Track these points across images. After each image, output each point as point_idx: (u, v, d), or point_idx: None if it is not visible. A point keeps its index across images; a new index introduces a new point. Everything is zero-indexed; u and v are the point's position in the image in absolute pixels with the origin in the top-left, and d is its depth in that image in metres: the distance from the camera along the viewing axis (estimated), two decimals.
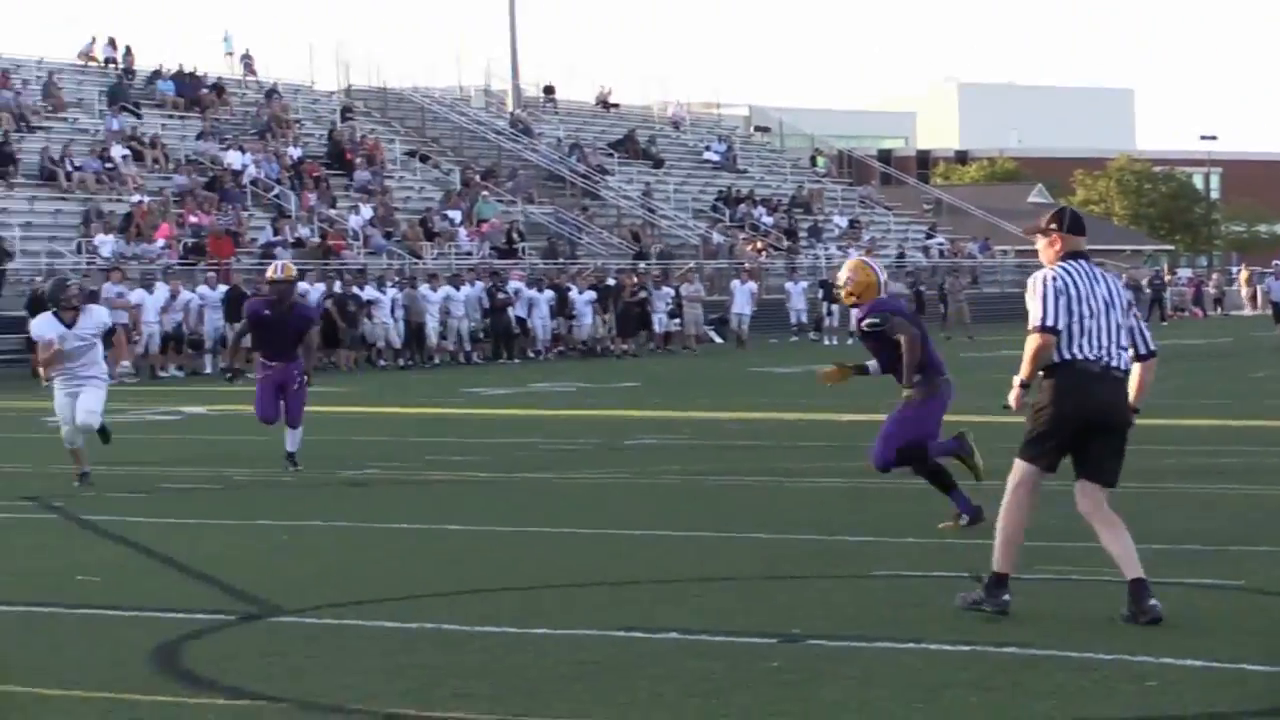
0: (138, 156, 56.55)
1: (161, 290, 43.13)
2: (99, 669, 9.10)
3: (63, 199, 53.02)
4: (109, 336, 18.30)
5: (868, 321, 13.52)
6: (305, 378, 19.24)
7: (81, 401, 17.74)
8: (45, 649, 9.69)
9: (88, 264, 47.45)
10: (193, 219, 51.93)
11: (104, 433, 18.28)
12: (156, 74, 64.62)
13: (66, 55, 65.86)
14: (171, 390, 36.64)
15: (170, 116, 62.60)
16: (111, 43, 65.65)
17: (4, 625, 10.51)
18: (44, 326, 17.83)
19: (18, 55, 62.88)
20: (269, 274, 19.94)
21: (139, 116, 60.77)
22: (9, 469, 20.00)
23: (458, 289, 47.13)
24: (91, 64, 65.25)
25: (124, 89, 62.27)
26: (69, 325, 17.65)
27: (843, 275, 13.88)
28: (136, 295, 42.22)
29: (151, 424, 26.75)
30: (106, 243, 48.70)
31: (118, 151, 55.78)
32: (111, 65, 64.88)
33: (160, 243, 50.04)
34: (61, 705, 8.36)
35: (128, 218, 50.82)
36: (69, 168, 53.77)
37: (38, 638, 10.06)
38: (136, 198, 52.40)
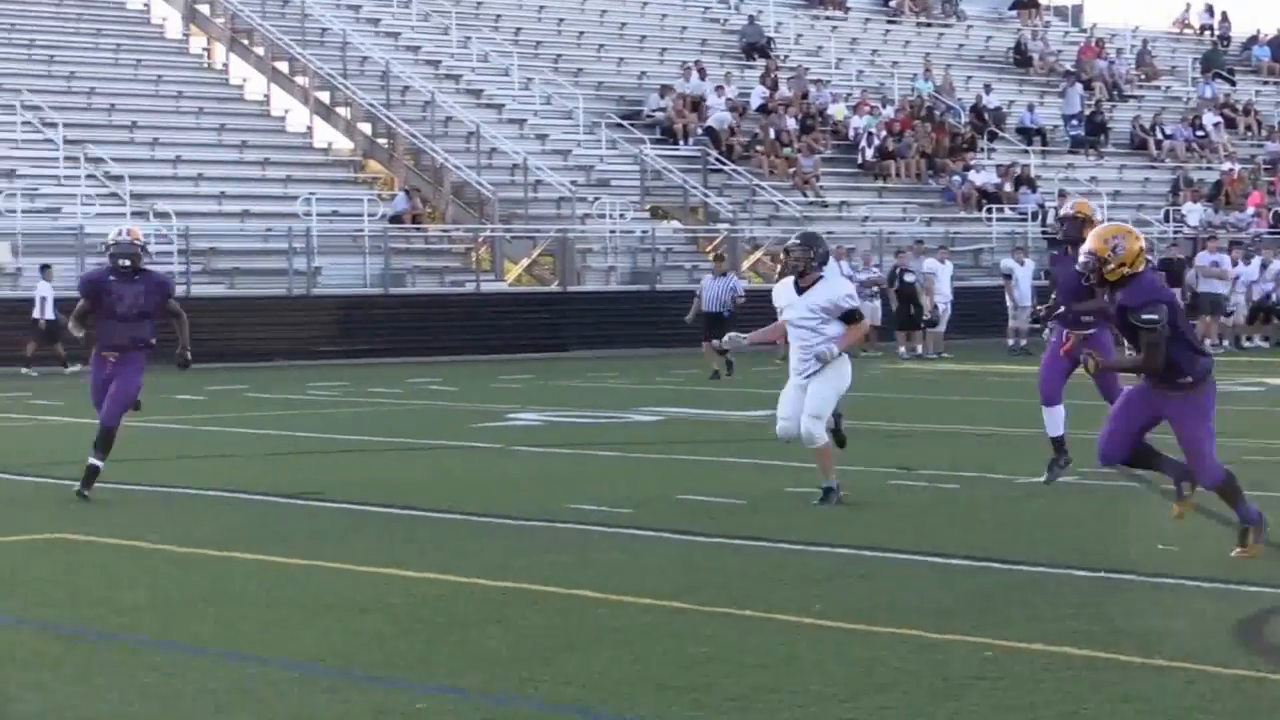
0: (1229, 124, 55.99)
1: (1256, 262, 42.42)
2: (1182, 638, 9.03)
3: (1152, 167, 53.26)
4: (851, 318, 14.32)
5: (1144, 316, 11.35)
6: None
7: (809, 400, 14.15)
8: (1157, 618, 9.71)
9: (1174, 232, 47.47)
10: None
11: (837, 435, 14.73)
12: (1253, 39, 63.70)
13: (1161, 23, 66.08)
14: (1257, 361, 36.06)
15: (1265, 83, 61.60)
16: (1209, 9, 65.21)
17: (1099, 587, 10.62)
18: (778, 293, 14.56)
19: (1114, 25, 63.67)
20: None
21: (1233, 83, 60.13)
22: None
23: None
24: (1186, 31, 65.09)
25: (1218, 55, 61.73)
26: (800, 292, 14.28)
27: (1099, 242, 11.50)
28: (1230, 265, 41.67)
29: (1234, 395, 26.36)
30: (1194, 211, 48.51)
31: (1209, 119, 55.43)
32: (1207, 31, 64.46)
33: (1250, 211, 49.33)
34: (1140, 673, 8.33)
35: (1217, 186, 50.40)
36: (1159, 136, 53.90)
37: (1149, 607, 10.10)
38: (1227, 166, 51.91)
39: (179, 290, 39.39)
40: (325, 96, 48.88)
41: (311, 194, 42.86)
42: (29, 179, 41.78)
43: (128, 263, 14.93)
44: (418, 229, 44.56)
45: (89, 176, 42.32)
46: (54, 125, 43.32)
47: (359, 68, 49.33)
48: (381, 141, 48.02)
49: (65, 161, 42.45)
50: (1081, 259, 11.59)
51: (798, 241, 14.39)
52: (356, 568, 11.30)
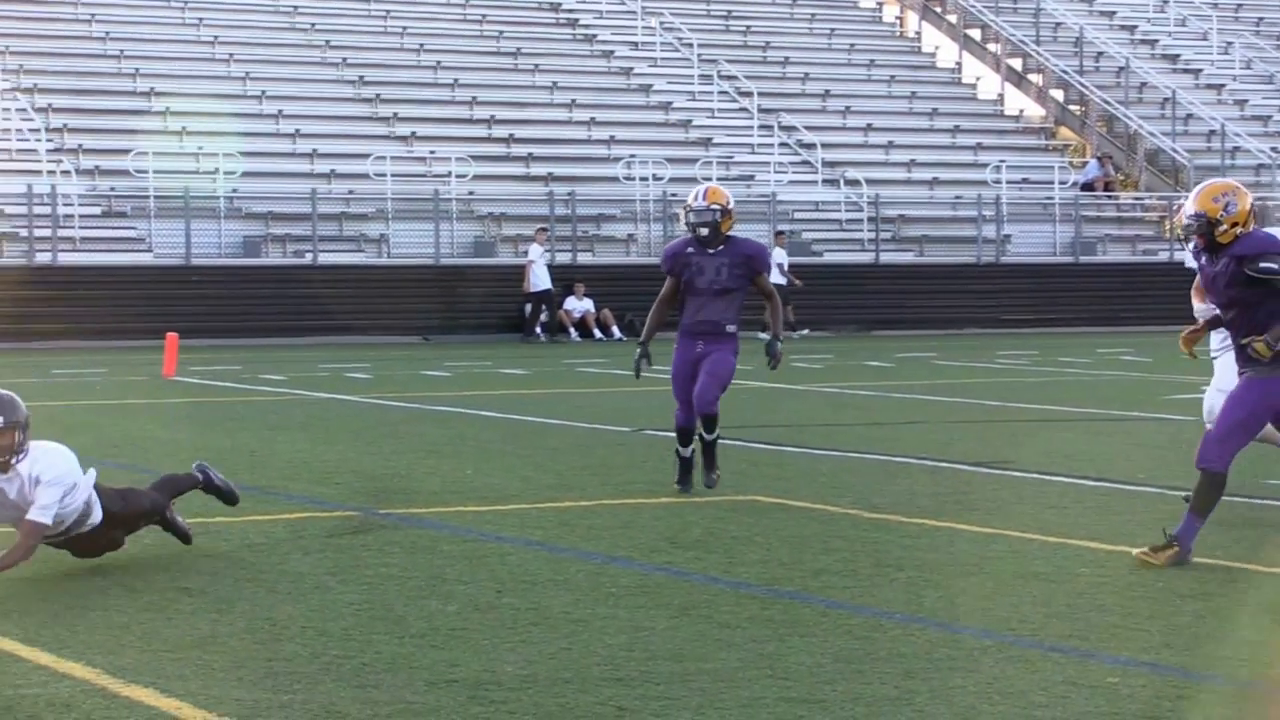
0: None
1: None
2: None
3: None
4: None
5: (1264, 265, 10.07)
6: None
7: None
8: None
9: None
10: None
11: None
12: None
13: None
14: None
15: None
16: None
17: None
18: None
19: None
20: None
21: None
22: None
23: None
24: None
25: None
26: None
27: (1208, 201, 10.24)
28: None
29: None
30: None
31: None
32: None
33: None
34: None
35: None
36: None
37: None
38: None
39: (865, 257, 40.53)
40: (1017, 63, 48.53)
41: (1001, 161, 42.61)
42: (724, 147, 42.86)
43: (706, 231, 12.87)
44: (1109, 197, 43.79)
45: (782, 145, 43.13)
46: (749, 94, 44.29)
47: (1051, 34, 48.76)
48: (1074, 108, 47.37)
49: (759, 130, 43.35)
50: (1185, 221, 10.39)
51: None
52: (1044, 538, 11.07)
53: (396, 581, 9.69)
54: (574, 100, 43.70)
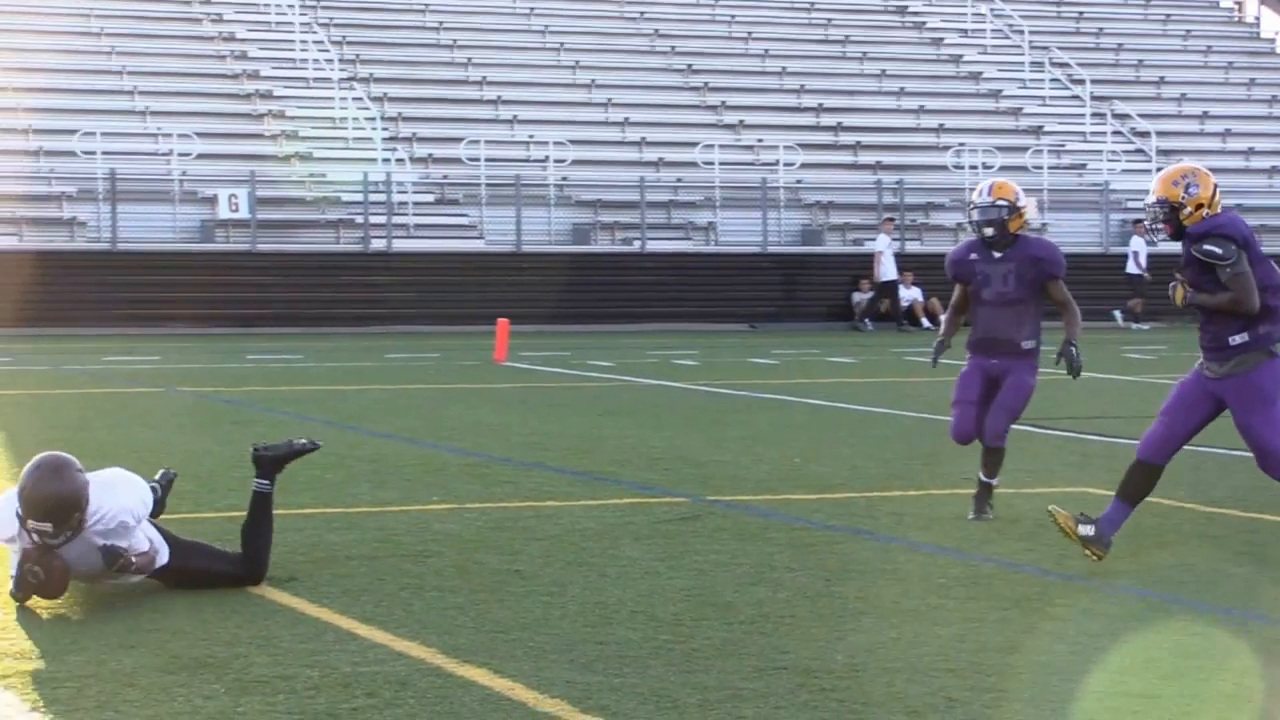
0: None
1: None
2: None
3: None
4: None
5: (1206, 247, 9.51)
6: None
7: None
8: None
9: None
10: None
11: None
12: None
13: None
14: None
15: None
16: None
17: None
18: None
19: None
20: None
21: None
22: None
23: None
24: None
25: None
26: None
27: (1168, 186, 9.64)
28: None
29: None
30: None
31: None
32: None
33: None
34: None
35: None
36: None
37: None
38: None
39: None
40: None
41: None
42: (1056, 135, 42.25)
43: (991, 231, 11.26)
44: None
45: (1115, 133, 42.39)
46: (1081, 82, 43.61)
47: None
48: None
49: (1092, 118, 42.65)
50: (1149, 210, 9.72)
51: None
52: None
53: (725, 568, 9.71)
54: (903, 88, 43.43)
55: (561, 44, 42.83)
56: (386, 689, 7.11)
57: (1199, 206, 9.60)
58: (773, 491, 12.73)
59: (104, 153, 35.42)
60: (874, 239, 37.18)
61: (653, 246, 36.98)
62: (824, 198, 39.23)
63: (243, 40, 41.03)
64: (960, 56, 45.37)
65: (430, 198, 37.66)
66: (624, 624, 8.32)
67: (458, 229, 37.15)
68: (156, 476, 9.92)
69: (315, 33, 41.21)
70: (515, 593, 9.02)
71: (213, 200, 35.32)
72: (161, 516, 9.53)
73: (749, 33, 44.62)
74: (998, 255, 11.30)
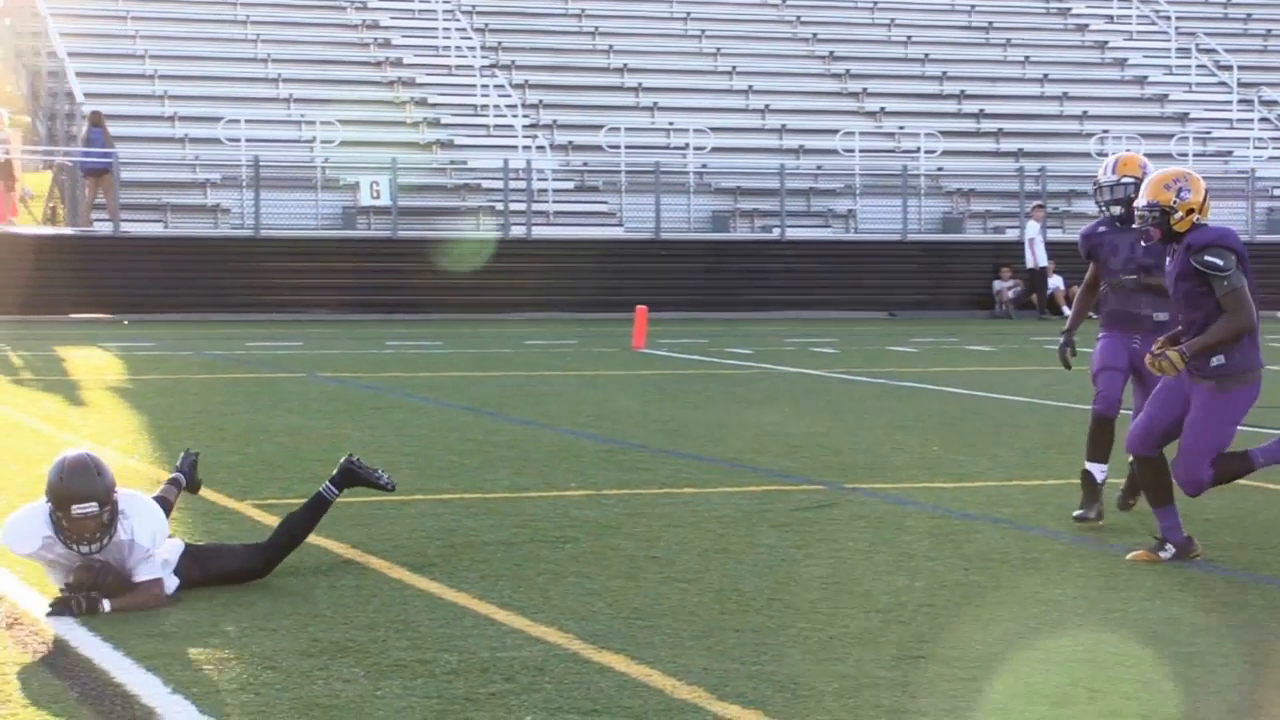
0: None
1: None
2: None
3: None
4: None
5: (1208, 259, 9.31)
6: None
7: None
8: None
9: None
10: None
11: None
12: None
13: None
14: None
15: None
16: None
17: None
18: None
19: None
20: None
21: None
22: None
23: None
24: None
25: None
26: None
27: (1159, 190, 9.51)
28: None
29: None
30: None
31: None
32: None
33: None
34: None
35: None
36: None
37: None
38: None
39: None
40: None
41: None
42: (1202, 122, 41.74)
43: (1119, 209, 10.87)
44: None
45: (1262, 120, 41.81)
46: (1228, 68, 43.04)
47: None
48: None
49: (1239, 105, 42.09)
50: (1139, 214, 9.49)
51: None
52: None
53: (863, 556, 9.67)
54: (1046, 75, 43.05)
55: (703, 31, 42.79)
56: (524, 674, 7.13)
57: (1190, 211, 9.47)
58: (911, 480, 12.66)
59: (248, 140, 35.78)
60: (1020, 226, 36.91)
61: (792, 234, 36.87)
62: (965, 185, 38.96)
63: (386, 28, 41.30)
64: (1105, 43, 44.90)
65: (570, 185, 37.76)
66: (760, 611, 8.30)
67: (597, 216, 37.23)
68: (178, 463, 9.89)
69: (458, 20, 41.43)
70: (652, 579, 9.02)
71: (354, 187, 35.59)
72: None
73: (891, 19, 44.38)
74: (1128, 233, 10.88)
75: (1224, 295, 9.32)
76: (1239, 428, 9.61)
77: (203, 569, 8.73)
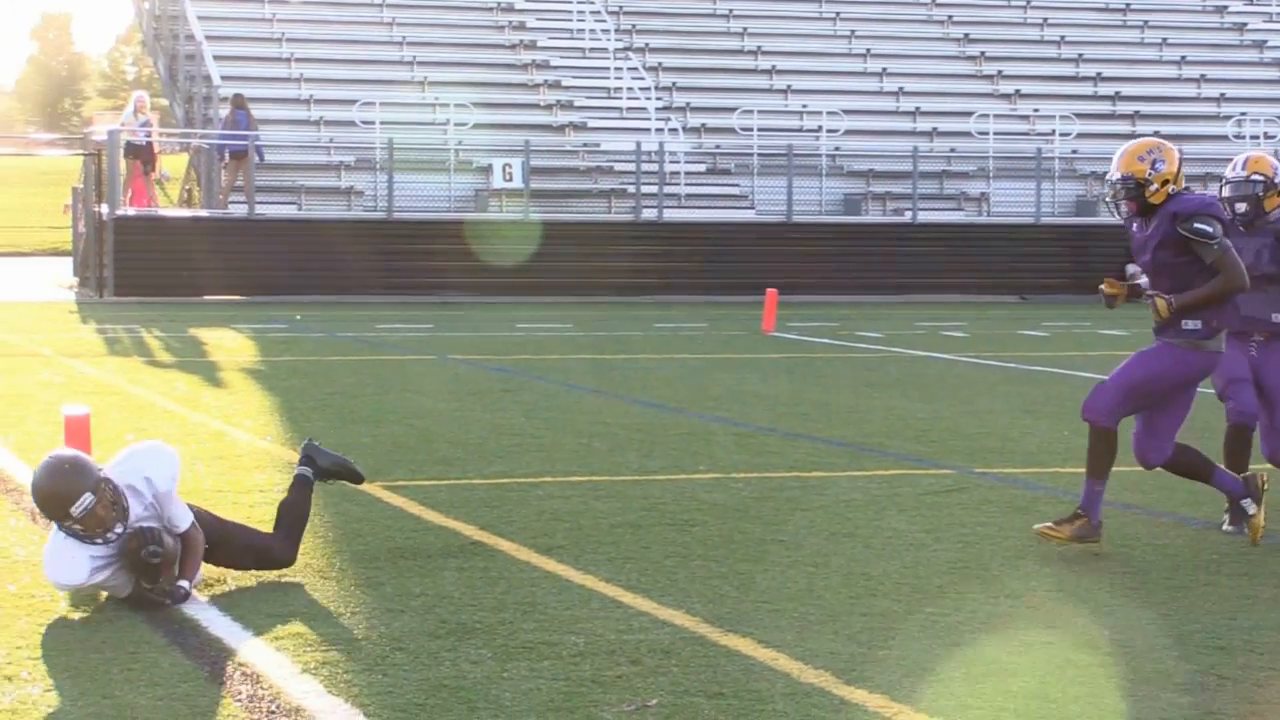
0: None
1: None
2: None
3: None
4: None
5: (1197, 226, 9.23)
6: None
7: None
8: None
9: None
10: None
11: None
12: None
13: None
14: None
15: None
16: None
17: None
18: None
19: None
20: None
21: None
22: None
23: None
24: None
25: None
26: None
27: (1133, 161, 9.41)
28: None
29: None
30: None
31: None
32: None
33: None
34: None
35: None
36: None
37: None
38: None
39: None
40: None
41: None
42: None
43: (1244, 207, 10.50)
44: None
45: None
46: None
47: None
48: None
49: None
50: (1112, 186, 9.36)
51: None
52: None
53: (992, 541, 9.61)
54: (1184, 57, 42.55)
55: (838, 14, 42.62)
56: (650, 657, 7.14)
57: (1165, 182, 9.38)
58: (1041, 464, 12.57)
59: (382, 123, 36.01)
60: None
61: (924, 217, 36.65)
62: (1100, 168, 38.58)
63: (520, 11, 41.44)
64: (1244, 25, 44.31)
65: (702, 168, 37.72)
66: (888, 595, 8.27)
67: (729, 199, 37.18)
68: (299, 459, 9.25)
69: (592, 3, 41.48)
70: (779, 562, 9.01)
71: (487, 169, 35.74)
72: (431, 481, 9.66)
73: (1027, 1, 44.00)
74: (1254, 229, 10.53)
75: (1215, 258, 9.28)
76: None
77: (220, 523, 8.51)
